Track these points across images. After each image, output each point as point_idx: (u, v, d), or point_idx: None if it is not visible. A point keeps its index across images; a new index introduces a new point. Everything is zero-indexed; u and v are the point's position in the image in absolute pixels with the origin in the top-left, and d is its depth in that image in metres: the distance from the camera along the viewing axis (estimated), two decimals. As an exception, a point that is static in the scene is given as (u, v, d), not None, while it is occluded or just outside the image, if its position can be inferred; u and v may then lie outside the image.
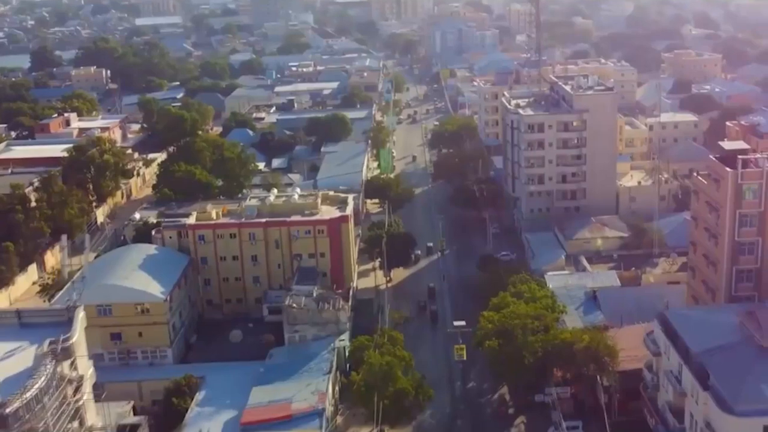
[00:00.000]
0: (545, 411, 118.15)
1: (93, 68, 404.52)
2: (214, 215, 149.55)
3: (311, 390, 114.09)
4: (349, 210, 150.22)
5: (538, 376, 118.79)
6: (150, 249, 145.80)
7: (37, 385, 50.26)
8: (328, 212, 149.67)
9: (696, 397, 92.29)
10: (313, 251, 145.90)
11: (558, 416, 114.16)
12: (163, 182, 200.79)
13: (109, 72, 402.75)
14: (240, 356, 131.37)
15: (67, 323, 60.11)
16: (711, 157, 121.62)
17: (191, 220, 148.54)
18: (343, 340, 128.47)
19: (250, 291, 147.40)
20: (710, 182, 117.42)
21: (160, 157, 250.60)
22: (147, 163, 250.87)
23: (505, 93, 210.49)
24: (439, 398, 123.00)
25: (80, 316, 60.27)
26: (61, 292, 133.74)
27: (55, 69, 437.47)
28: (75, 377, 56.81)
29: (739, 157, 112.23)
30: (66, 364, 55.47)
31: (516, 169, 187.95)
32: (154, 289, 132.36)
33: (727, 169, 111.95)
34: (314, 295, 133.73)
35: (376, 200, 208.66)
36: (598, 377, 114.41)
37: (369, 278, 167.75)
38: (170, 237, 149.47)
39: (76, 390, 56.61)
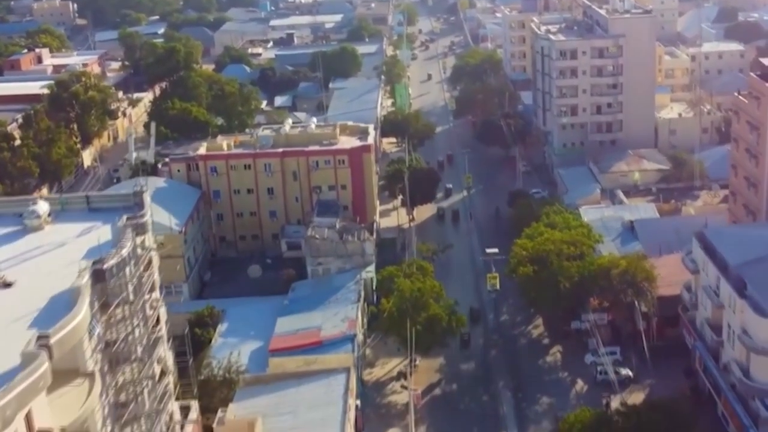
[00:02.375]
0: (581, 339, 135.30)
1: (57, 1, 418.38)
2: (225, 147, 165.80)
3: (340, 318, 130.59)
4: (371, 139, 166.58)
5: (574, 303, 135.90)
6: (159, 182, 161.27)
7: (126, 248, 66.62)
8: (348, 142, 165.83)
9: (733, 306, 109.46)
10: (333, 183, 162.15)
11: (595, 343, 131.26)
12: (155, 121, 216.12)
13: (75, 5, 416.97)
14: (259, 292, 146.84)
15: (134, 207, 76.64)
16: (752, 74, 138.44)
17: (201, 150, 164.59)
18: (370, 271, 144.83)
19: (267, 226, 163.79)
20: (751, 100, 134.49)
21: (147, 96, 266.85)
22: (133, 103, 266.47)
23: (534, 19, 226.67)
24: (471, 331, 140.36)
25: (148, 200, 77.00)
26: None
27: (12, 2, 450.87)
28: (148, 252, 73.27)
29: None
30: (139, 240, 71.65)
31: (547, 101, 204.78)
32: (167, 221, 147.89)
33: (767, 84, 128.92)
34: (337, 226, 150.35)
35: (393, 139, 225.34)
36: (636, 303, 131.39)
37: (390, 218, 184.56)
38: (178, 170, 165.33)
39: (148, 265, 73.05)
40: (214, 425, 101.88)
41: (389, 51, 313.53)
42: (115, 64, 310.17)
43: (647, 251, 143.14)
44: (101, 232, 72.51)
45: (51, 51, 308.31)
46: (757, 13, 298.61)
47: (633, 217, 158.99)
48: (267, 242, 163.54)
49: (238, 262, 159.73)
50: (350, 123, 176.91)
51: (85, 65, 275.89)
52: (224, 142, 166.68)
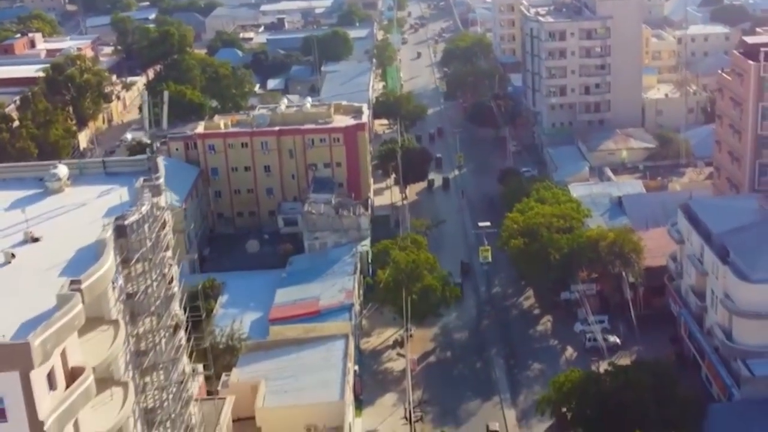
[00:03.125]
0: (571, 309, 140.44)
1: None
2: (222, 126, 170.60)
3: (337, 288, 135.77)
4: (365, 118, 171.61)
5: (563, 274, 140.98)
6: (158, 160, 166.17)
7: (144, 207, 71.29)
8: (342, 121, 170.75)
9: (716, 273, 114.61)
10: (328, 160, 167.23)
11: (584, 313, 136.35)
12: (150, 103, 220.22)
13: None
14: (258, 266, 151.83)
15: (149, 170, 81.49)
16: (735, 51, 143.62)
17: (199, 129, 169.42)
18: (365, 245, 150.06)
19: (264, 203, 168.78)
20: (734, 78, 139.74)
21: (140, 80, 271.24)
22: (126, 87, 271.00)
23: (523, 2, 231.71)
24: (464, 302, 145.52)
25: (162, 163, 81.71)
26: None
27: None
28: (163, 212, 78.00)
29: (762, 49, 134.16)
30: (155, 200, 76.25)
31: (536, 81, 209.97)
32: (168, 197, 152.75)
33: (750, 62, 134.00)
34: (333, 202, 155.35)
35: (385, 121, 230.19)
36: (624, 273, 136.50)
37: (384, 196, 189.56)
38: (176, 149, 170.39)
39: (163, 225, 77.71)
40: (219, 388, 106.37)
41: (380, 35, 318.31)
42: (108, 49, 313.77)
43: (634, 225, 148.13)
44: (119, 194, 77.12)
45: (43, 36, 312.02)
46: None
47: (620, 193, 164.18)
48: (264, 219, 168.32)
49: (235, 238, 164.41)
50: (344, 103, 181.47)
51: (79, 49, 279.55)
52: (221, 122, 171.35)
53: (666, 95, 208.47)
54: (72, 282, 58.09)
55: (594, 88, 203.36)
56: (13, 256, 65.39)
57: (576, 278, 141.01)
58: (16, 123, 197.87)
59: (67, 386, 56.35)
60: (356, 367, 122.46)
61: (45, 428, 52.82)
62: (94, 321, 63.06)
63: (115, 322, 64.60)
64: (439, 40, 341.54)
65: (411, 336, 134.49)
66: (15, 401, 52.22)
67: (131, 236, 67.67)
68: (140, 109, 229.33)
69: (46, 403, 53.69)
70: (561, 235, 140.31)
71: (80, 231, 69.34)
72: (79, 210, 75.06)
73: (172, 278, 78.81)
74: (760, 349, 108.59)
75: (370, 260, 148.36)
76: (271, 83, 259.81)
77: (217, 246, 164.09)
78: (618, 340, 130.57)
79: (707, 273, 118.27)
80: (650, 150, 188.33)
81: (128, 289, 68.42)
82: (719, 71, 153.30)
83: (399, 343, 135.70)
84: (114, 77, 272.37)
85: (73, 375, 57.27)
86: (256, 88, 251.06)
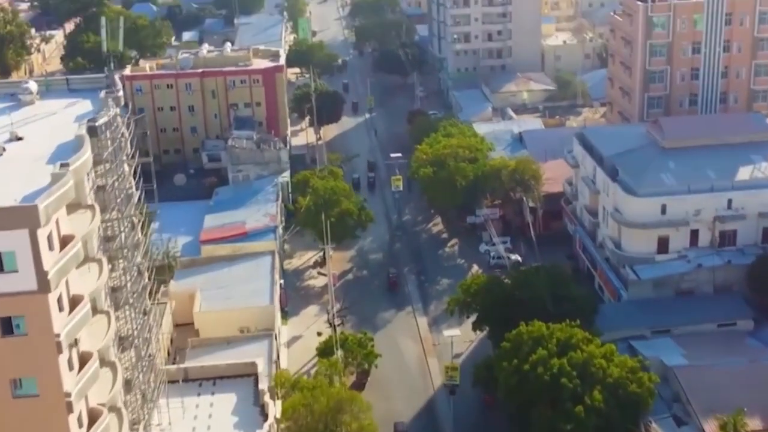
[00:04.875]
0: (476, 233, 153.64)
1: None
2: (148, 68, 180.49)
3: (262, 213, 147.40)
4: (282, 61, 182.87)
5: (469, 200, 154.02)
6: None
7: (112, 111, 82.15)
8: (261, 64, 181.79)
9: (607, 190, 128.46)
10: (249, 100, 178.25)
11: (488, 235, 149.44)
12: (71, 55, 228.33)
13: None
14: (185, 198, 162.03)
15: (109, 86, 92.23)
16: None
17: (126, 71, 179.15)
18: (285, 177, 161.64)
19: (188, 141, 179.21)
20: (625, 18, 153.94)
21: (59, 34, 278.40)
22: (46, 40, 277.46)
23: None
24: (378, 228, 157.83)
25: (119, 80, 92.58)
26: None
27: None
28: (124, 122, 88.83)
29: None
30: (117, 110, 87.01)
31: (441, 29, 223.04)
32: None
33: (638, 2, 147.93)
34: (254, 138, 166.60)
35: (297, 70, 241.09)
36: (524, 199, 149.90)
37: (299, 138, 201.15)
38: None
39: (123, 134, 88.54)
40: (158, 296, 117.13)
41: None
42: (24, 5, 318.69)
43: (534, 157, 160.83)
44: (83, 105, 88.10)
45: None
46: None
47: (521, 130, 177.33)
48: (189, 156, 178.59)
49: (162, 174, 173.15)
50: (262, 47, 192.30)
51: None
52: (147, 65, 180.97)
53: (564, 42, 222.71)
54: (62, 165, 69.01)
55: (496, 35, 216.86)
56: (3, 149, 76.07)
57: (481, 204, 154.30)
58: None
59: (61, 249, 67.41)
60: (282, 281, 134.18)
61: (48, 278, 63.85)
62: (75, 206, 73.87)
63: (92, 207, 75.38)
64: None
65: (330, 256, 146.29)
66: (25, 255, 63.02)
67: (101, 136, 78.50)
68: (62, 59, 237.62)
69: (48, 259, 64.75)
70: (467, 164, 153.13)
71: (56, 132, 79.77)
72: (51, 117, 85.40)
73: (131, 180, 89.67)
74: (644, 256, 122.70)
75: (290, 190, 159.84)
76: (186, 35, 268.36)
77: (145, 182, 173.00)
78: (519, 258, 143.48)
79: (599, 192, 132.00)
80: (549, 92, 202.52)
81: (98, 183, 79.31)
82: (612, 13, 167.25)
83: (319, 263, 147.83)
84: (33, 31, 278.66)
85: (64, 241, 68.27)
86: (173, 40, 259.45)
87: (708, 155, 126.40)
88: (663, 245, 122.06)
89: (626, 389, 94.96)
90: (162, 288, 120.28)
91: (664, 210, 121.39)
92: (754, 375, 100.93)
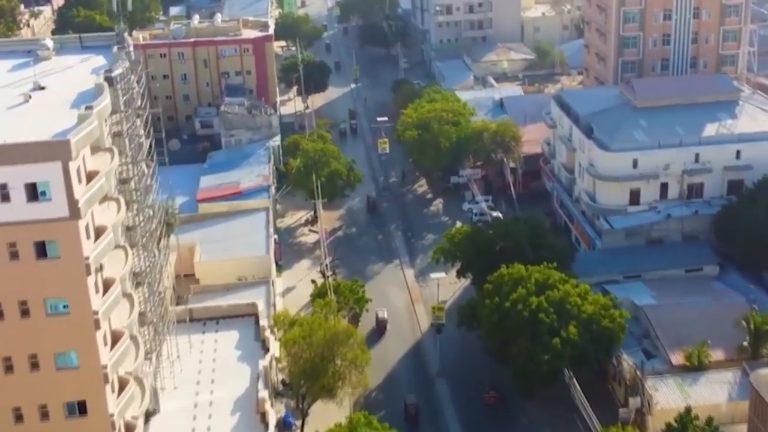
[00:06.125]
0: (459, 192, 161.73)
1: None
2: (141, 39, 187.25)
3: (255, 174, 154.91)
4: (271, 31, 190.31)
5: (452, 161, 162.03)
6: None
7: (126, 64, 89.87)
8: (251, 34, 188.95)
9: (582, 147, 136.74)
10: (239, 69, 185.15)
11: (471, 195, 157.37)
12: (62, 29, 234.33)
13: None
14: (180, 162, 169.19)
15: (120, 42, 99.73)
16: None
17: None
18: (276, 141, 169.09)
19: (181, 108, 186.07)
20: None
21: (47, 9, 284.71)
22: (35, 15, 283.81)
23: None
24: (365, 189, 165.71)
25: (128, 37, 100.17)
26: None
27: None
28: (137, 74, 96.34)
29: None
30: (127, 64, 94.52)
31: (424, 1, 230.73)
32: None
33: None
34: (245, 104, 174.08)
35: (283, 43, 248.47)
36: (505, 159, 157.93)
37: (287, 106, 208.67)
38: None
39: (132, 86, 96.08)
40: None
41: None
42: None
43: (514, 121, 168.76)
44: (97, 60, 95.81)
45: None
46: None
47: (502, 96, 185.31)
48: (181, 123, 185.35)
49: (156, 140, 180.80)
50: (251, 18, 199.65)
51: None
52: (140, 35, 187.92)
53: (543, 14, 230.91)
54: (87, 107, 76.72)
55: (477, 7, 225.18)
56: (30, 96, 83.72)
57: (464, 165, 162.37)
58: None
59: (87, 182, 75.16)
60: (276, 236, 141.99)
61: (79, 206, 71.58)
62: (96, 148, 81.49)
63: (110, 150, 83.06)
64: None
65: (321, 214, 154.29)
66: (58, 185, 70.69)
67: (116, 86, 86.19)
68: (53, 33, 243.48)
69: (78, 190, 72.47)
70: (450, 127, 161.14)
71: (75, 82, 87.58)
72: (68, 70, 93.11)
73: (140, 129, 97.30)
74: (617, 207, 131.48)
75: (281, 153, 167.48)
76: (174, 10, 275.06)
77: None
78: (500, 215, 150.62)
79: (575, 149, 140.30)
80: (529, 61, 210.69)
81: (114, 129, 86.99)
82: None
83: (310, 222, 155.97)
84: (22, 6, 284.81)
85: (89, 176, 76.00)
86: (160, 15, 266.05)
87: (677, 113, 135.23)
88: (635, 197, 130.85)
89: (599, 324, 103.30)
90: (162, 241, 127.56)
91: (635, 164, 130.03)
92: (717, 313, 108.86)
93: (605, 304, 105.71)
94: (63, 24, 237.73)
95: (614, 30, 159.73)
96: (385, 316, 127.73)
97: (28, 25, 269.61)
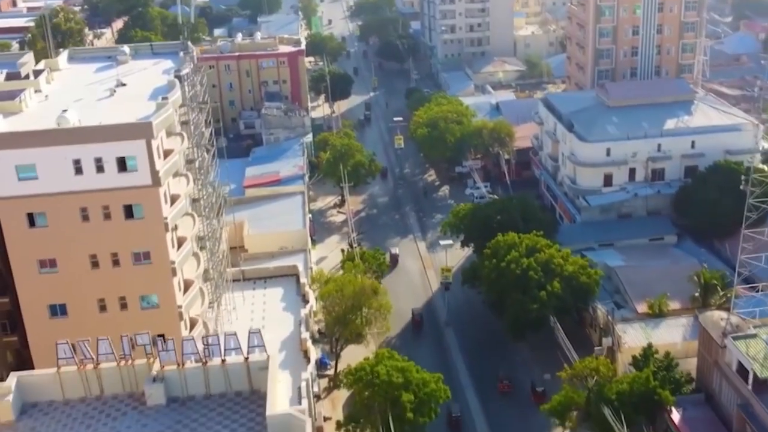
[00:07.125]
0: (462, 180, 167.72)
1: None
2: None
3: (292, 165, 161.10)
4: (303, 46, 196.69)
5: (456, 154, 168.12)
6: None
7: (193, 66, 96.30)
8: (286, 49, 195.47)
9: (565, 139, 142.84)
10: (276, 78, 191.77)
11: (472, 181, 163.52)
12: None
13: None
14: (227, 157, 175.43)
15: (186, 48, 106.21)
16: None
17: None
18: (308, 138, 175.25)
19: (227, 113, 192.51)
20: (579, 6, 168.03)
21: (108, 32, 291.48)
22: (97, 36, 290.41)
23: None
24: (383, 179, 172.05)
25: (191, 45, 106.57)
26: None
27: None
28: (201, 74, 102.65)
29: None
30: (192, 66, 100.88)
31: (432, 22, 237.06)
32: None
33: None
34: (282, 108, 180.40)
35: (311, 59, 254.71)
36: (501, 152, 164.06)
37: (317, 111, 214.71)
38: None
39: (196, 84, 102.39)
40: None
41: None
42: (76, 8, 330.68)
43: (508, 121, 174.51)
44: (166, 64, 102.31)
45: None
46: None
47: (498, 101, 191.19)
48: (227, 125, 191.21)
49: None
50: (286, 36, 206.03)
51: (60, 7, 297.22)
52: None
53: (532, 33, 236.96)
54: (163, 98, 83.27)
55: (477, 27, 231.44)
56: (114, 91, 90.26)
57: (466, 157, 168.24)
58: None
59: (164, 158, 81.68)
60: (310, 215, 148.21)
61: (159, 175, 78.19)
62: (170, 132, 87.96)
63: (180, 134, 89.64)
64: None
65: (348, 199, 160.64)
66: (142, 159, 77.23)
67: (184, 83, 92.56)
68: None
69: (158, 163, 79.02)
70: (455, 125, 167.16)
71: (150, 81, 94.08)
72: (143, 71, 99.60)
73: (204, 121, 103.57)
74: (594, 188, 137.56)
75: (313, 148, 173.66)
76: (217, 31, 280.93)
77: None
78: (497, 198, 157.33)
79: (559, 141, 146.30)
80: (520, 72, 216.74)
81: (182, 119, 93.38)
82: (569, 4, 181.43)
83: (338, 205, 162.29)
84: (86, 29, 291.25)
85: (166, 153, 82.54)
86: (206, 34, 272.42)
87: (643, 111, 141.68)
88: (608, 180, 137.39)
89: (578, 280, 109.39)
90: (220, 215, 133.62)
91: (608, 153, 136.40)
92: (674, 272, 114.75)
93: (583, 264, 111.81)
94: (122, 43, 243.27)
95: (591, 44, 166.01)
96: (398, 252, 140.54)
97: (92, 45, 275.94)
